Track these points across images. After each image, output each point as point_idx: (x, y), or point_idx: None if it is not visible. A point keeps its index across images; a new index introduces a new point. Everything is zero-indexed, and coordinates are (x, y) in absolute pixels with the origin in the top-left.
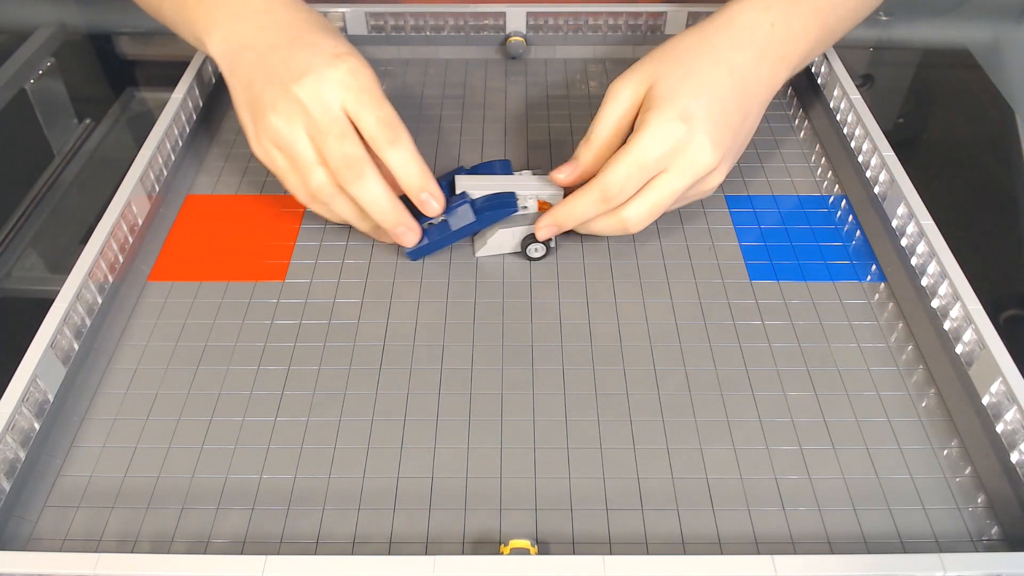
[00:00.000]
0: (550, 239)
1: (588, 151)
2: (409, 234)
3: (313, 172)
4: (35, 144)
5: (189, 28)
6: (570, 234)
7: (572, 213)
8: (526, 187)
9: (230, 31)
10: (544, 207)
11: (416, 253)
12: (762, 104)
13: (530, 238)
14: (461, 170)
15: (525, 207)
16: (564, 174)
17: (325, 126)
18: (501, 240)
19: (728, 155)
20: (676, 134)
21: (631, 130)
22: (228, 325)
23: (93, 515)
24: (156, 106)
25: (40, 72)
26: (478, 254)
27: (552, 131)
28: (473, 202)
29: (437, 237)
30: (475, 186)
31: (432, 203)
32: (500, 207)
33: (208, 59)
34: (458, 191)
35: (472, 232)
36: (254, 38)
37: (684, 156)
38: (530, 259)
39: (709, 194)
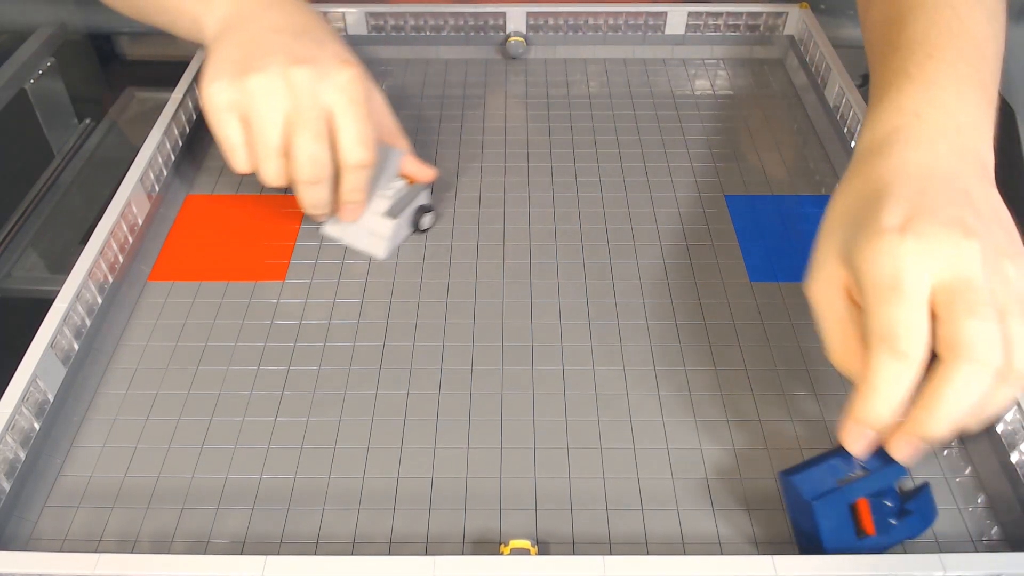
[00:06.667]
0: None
1: (908, 368)
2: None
3: (269, 161)
4: (35, 144)
5: (186, 9)
6: (568, 233)
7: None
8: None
9: (234, 9)
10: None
11: None
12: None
13: (419, 212)
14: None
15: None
16: (860, 444)
17: (307, 120)
18: (397, 230)
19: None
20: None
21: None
22: (228, 325)
23: (93, 515)
24: (156, 106)
25: (40, 72)
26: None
27: (552, 131)
28: None
29: None
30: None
31: (355, 212)
32: None
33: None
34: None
35: None
36: (260, 16)
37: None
38: (421, 231)
39: None
